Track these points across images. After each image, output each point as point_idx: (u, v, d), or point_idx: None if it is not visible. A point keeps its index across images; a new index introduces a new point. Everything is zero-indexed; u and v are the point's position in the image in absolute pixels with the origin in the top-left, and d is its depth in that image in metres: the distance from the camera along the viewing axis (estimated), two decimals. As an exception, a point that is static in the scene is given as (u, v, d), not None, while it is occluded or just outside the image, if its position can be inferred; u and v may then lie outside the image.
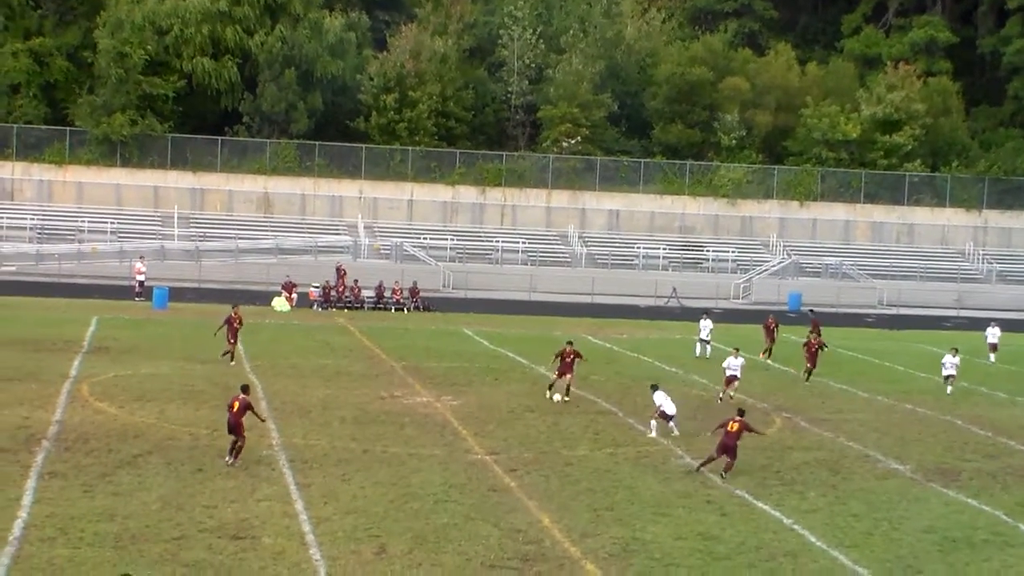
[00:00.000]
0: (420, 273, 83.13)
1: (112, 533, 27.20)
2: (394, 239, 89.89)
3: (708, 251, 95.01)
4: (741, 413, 35.03)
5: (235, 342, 50.12)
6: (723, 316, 76.52)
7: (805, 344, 53.87)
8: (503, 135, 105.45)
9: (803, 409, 46.84)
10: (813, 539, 29.53)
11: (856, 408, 47.08)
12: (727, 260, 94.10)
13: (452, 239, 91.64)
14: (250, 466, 33.61)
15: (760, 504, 32.46)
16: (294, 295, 74.49)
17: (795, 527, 30.45)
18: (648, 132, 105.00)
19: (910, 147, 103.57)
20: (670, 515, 30.91)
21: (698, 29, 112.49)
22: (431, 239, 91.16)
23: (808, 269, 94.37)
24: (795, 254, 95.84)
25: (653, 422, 39.76)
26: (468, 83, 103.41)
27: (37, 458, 33.08)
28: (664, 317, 78.02)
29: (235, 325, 50.37)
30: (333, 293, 76.98)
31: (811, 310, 73.29)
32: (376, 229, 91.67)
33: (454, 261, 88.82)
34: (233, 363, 49.04)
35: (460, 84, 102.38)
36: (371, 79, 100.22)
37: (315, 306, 74.85)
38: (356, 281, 78.36)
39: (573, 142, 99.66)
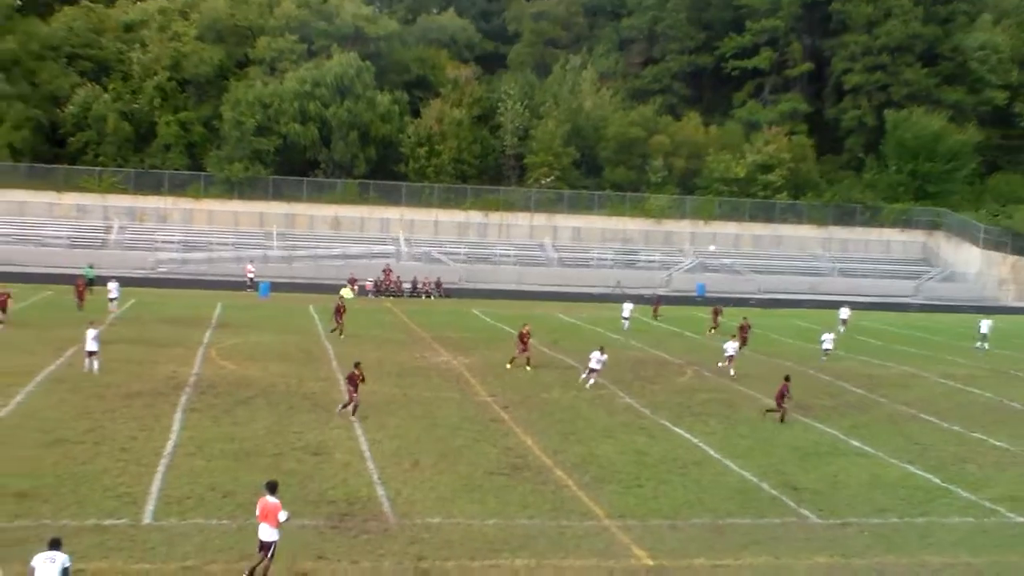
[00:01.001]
0: (443, 271, 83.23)
1: (232, 450, 27.45)
2: (424, 248, 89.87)
3: (642, 255, 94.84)
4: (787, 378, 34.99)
5: (342, 321, 51.04)
6: (652, 301, 76.55)
7: (740, 327, 52.11)
8: (500, 175, 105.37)
9: (707, 364, 47.01)
10: (713, 452, 29.73)
11: (744, 363, 47.25)
12: (655, 261, 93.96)
13: (464, 248, 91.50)
14: (326, 405, 33.72)
15: (677, 429, 32.64)
16: (356, 287, 74.53)
17: (701, 445, 30.64)
18: (600, 173, 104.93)
19: (779, 183, 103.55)
20: (615, 437, 31.08)
21: (635, 102, 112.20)
22: (450, 247, 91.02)
23: (710, 267, 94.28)
24: (701, 257, 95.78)
25: (584, 375, 39.82)
26: (476, 139, 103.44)
27: (181, 399, 33.33)
28: (612, 301, 78.06)
29: (341, 311, 51.09)
30: (382, 285, 77.12)
31: (745, 308, 71.14)
32: (412, 241, 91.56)
33: (466, 263, 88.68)
34: (343, 336, 49.85)
35: (471, 140, 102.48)
36: (409, 137, 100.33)
37: (370, 294, 74.92)
38: (399, 277, 78.44)
39: (549, 180, 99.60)
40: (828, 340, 50.77)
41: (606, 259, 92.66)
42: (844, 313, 65.91)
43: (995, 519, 24.76)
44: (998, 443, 32.82)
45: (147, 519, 21.71)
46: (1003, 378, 47.14)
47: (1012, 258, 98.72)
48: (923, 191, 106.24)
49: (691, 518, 23.48)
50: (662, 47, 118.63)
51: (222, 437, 28.43)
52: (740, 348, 47.95)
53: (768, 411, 34.64)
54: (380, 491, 24.26)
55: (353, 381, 31.55)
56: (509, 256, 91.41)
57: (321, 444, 28.29)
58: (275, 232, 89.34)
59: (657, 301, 65.87)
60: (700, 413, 35.24)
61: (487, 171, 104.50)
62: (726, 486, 26.23)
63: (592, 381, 39.25)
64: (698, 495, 25.30)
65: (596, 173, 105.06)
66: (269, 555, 18.82)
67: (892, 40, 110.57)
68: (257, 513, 19.25)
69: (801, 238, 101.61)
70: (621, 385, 40.12)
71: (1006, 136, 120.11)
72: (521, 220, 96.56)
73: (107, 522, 21.33)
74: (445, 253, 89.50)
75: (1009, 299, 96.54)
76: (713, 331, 59.30)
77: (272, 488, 19.34)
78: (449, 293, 77.64)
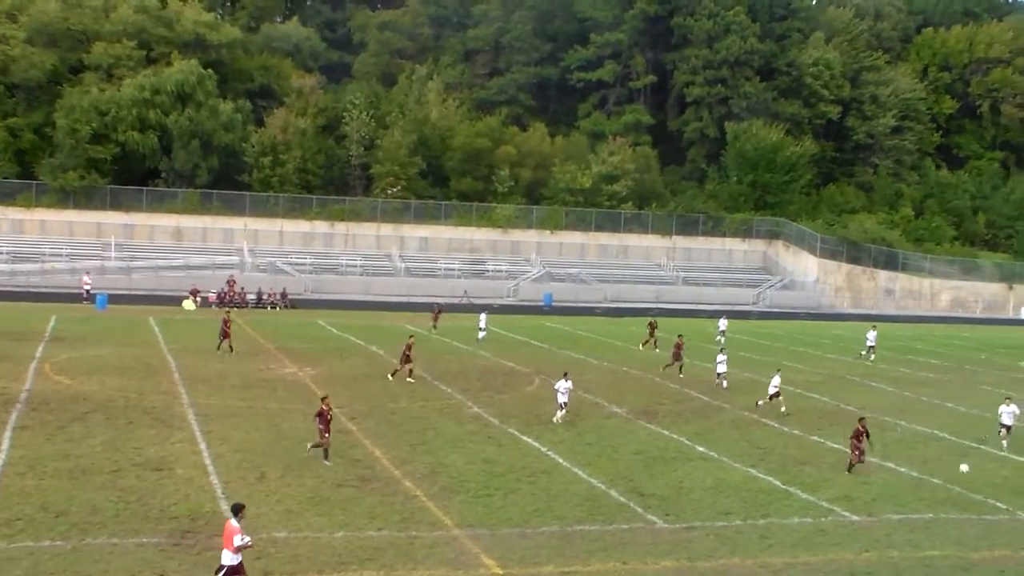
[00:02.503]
0: (288, 282, 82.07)
1: (66, 468, 26.56)
2: (269, 258, 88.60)
3: (489, 265, 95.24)
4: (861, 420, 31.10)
5: (227, 338, 48.82)
6: (499, 310, 77.03)
7: (676, 345, 49.31)
8: (346, 185, 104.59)
9: (555, 373, 47.22)
10: (561, 460, 29.93)
11: (590, 371, 47.83)
12: (502, 271, 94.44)
13: (310, 258, 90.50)
14: (168, 419, 32.93)
15: (525, 438, 32.78)
16: (198, 298, 73.04)
17: (549, 453, 30.81)
18: (447, 183, 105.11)
19: (624, 193, 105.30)
20: (463, 447, 31.06)
21: (481, 112, 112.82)
22: (296, 258, 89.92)
23: (557, 276, 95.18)
24: (548, 266, 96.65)
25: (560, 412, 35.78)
26: (321, 149, 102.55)
27: (11, 416, 32.09)
28: (459, 311, 78.20)
29: (228, 326, 49.24)
30: (226, 296, 75.72)
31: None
32: (257, 251, 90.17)
33: (312, 273, 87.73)
34: (232, 353, 48.12)
35: (316, 150, 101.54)
36: (253, 146, 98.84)
37: (213, 306, 73.41)
38: (243, 288, 77.13)
39: (395, 190, 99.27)
40: (722, 363, 46.55)
41: (453, 269, 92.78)
42: (723, 324, 66.51)
43: (832, 518, 25.52)
44: (835, 445, 33.86)
45: (-26, 542, 20.79)
46: (839, 383, 48.76)
47: (847, 267, 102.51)
48: (763, 201, 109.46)
49: (540, 526, 23.59)
50: (508, 58, 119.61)
51: (56, 455, 27.45)
52: (676, 363, 47.99)
53: (853, 466, 30.42)
54: (224, 506, 23.70)
55: (324, 418, 28.43)
56: (356, 266, 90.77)
57: (162, 459, 27.58)
58: (113, 242, 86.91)
59: (437, 311, 64.31)
60: (548, 422, 35.45)
61: (333, 181, 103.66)
62: (574, 493, 26.43)
63: (561, 414, 35.50)
64: (547, 503, 25.43)
65: (443, 183, 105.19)
66: None
67: (731, 55, 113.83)
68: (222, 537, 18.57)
69: (646, 247, 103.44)
70: (469, 395, 40.14)
71: (840, 149, 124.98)
72: (368, 230, 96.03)
73: (-69, 546, 20.36)
74: (290, 263, 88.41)
75: (844, 306, 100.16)
76: (645, 345, 58.79)
77: (235, 511, 18.57)
78: (295, 304, 76.64)
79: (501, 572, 20.64)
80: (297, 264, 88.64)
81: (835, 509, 26.27)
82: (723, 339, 63.33)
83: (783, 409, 39.04)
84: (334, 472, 27.19)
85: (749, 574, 21.31)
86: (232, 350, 48.39)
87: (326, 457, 28.12)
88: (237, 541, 18.07)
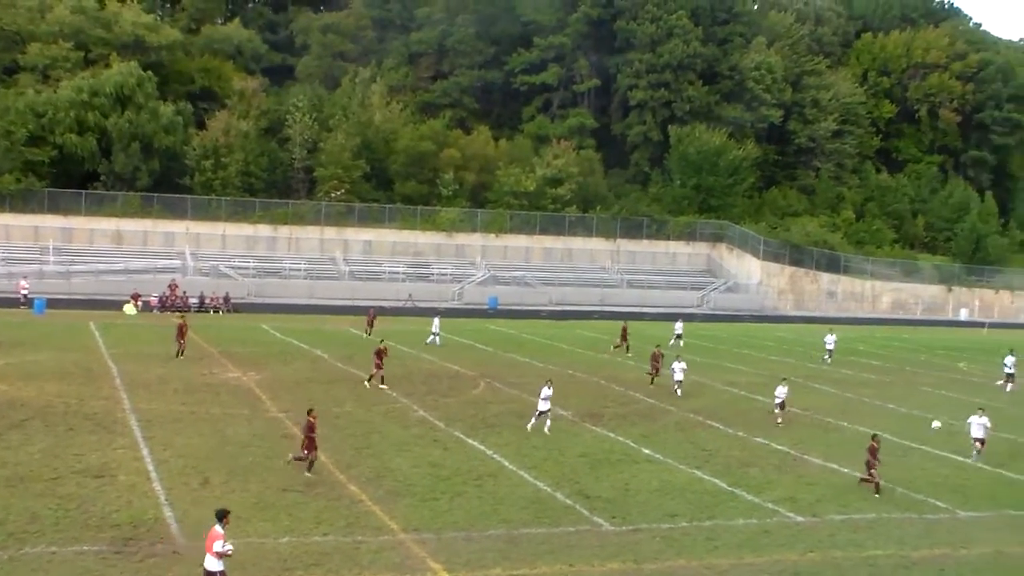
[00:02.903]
0: (231, 286, 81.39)
1: (3, 476, 26.17)
2: (211, 262, 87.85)
3: (433, 268, 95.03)
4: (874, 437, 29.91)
5: (184, 341, 48.55)
6: (444, 313, 76.93)
7: (652, 356, 48.04)
8: (290, 188, 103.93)
9: (500, 376, 47.42)
10: (507, 464, 29.96)
11: (535, 374, 47.87)
12: (447, 274, 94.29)
13: (253, 261, 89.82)
14: (109, 425, 32.56)
15: (471, 441, 32.78)
16: (139, 303, 72.25)
17: (495, 456, 30.84)
18: (391, 186, 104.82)
19: (569, 197, 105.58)
20: (409, 451, 31.01)
21: (425, 116, 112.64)
22: (239, 262, 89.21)
23: (502, 280, 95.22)
24: (493, 270, 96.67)
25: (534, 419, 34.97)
26: (264, 152, 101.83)
27: (-53, 424, 31.48)
28: (404, 315, 78.06)
29: (184, 330, 48.77)
30: (168, 301, 74.96)
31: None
32: (199, 255, 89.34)
33: (255, 277, 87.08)
34: (180, 356, 47.83)
35: (258, 152, 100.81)
36: (194, 149, 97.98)
37: (154, 310, 72.71)
38: (185, 292, 76.42)
39: (339, 193, 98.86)
40: (679, 370, 44.85)
41: (398, 273, 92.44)
42: (679, 328, 66.57)
43: (776, 519, 25.74)
44: (779, 447, 34.18)
45: (-91, 552, 20.41)
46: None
47: (790, 269, 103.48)
48: (706, 204, 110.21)
49: (486, 529, 23.57)
50: (452, 61, 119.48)
51: (-6, 463, 27.05)
52: (654, 374, 46.34)
53: (863, 480, 29.60)
54: (167, 512, 23.51)
55: (312, 432, 27.59)
56: (299, 270, 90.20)
57: (103, 466, 27.24)
58: (51, 246, 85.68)
59: (373, 315, 63.32)
60: (494, 425, 35.49)
61: (276, 184, 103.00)
62: (520, 496, 26.44)
63: (539, 422, 34.60)
64: (493, 506, 25.42)
65: (387, 186, 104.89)
66: None
67: (674, 58, 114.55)
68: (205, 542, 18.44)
69: (590, 251, 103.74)
70: (415, 398, 40.08)
71: (782, 152, 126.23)
72: (311, 233, 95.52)
73: None
74: (233, 267, 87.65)
75: (787, 309, 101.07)
76: (616, 349, 58.73)
77: (220, 517, 18.41)
78: (238, 308, 76.05)
79: (447, 576, 20.62)
80: (240, 268, 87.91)
81: (780, 510, 26.50)
82: (680, 343, 63.62)
83: (779, 421, 38.34)
84: (279, 477, 27.00)
85: None
86: (181, 355, 48.00)
87: (309, 469, 27.47)
88: (218, 547, 17.92)
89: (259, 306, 78.26)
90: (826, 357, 60.73)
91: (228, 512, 18.75)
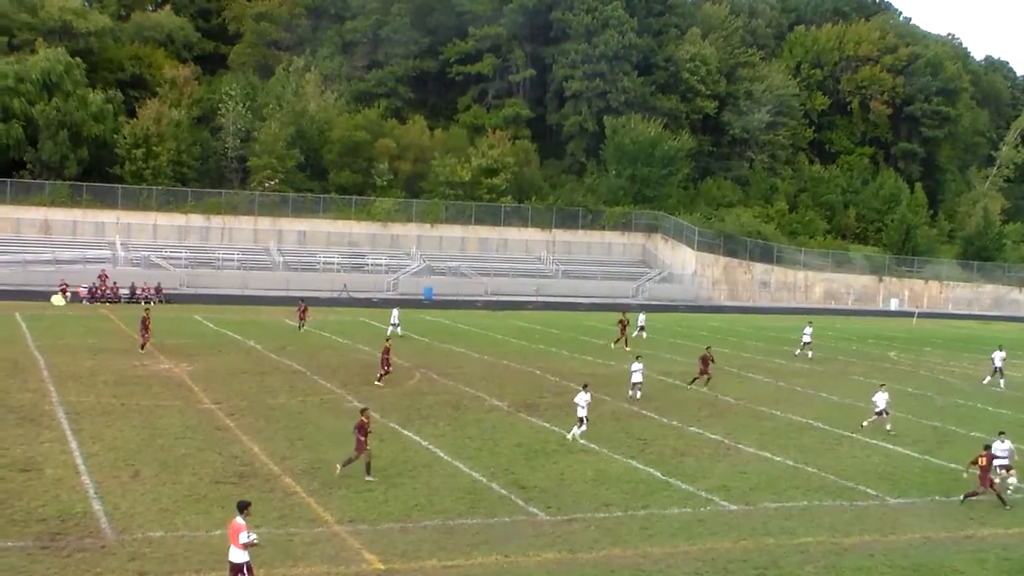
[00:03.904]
0: (163, 276, 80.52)
1: (-72, 471, 25.56)
2: (143, 252, 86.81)
3: (368, 259, 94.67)
4: (987, 447, 27.95)
5: (148, 335, 47.68)
6: (379, 304, 76.83)
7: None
8: (223, 178, 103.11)
9: (435, 366, 47.35)
10: (442, 454, 29.91)
11: (471, 364, 47.86)
12: (381, 265, 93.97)
13: (186, 252, 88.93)
14: (36, 418, 32.06)
15: (406, 432, 32.69)
16: (68, 293, 71.21)
17: (430, 447, 30.78)
18: (326, 176, 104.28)
19: (504, 187, 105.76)
20: (345, 442, 30.79)
21: (360, 105, 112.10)
22: (171, 252, 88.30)
23: (437, 270, 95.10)
24: (428, 260, 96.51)
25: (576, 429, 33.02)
26: (196, 141, 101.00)
27: None
28: (339, 305, 77.69)
29: (147, 323, 47.89)
30: (97, 291, 73.94)
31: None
32: (130, 245, 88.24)
33: (188, 267, 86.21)
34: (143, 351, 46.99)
35: (190, 142, 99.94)
36: (125, 138, 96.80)
37: (83, 301, 71.69)
38: (115, 282, 75.42)
39: (273, 183, 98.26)
40: (638, 373, 41.40)
41: (333, 263, 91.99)
42: (641, 319, 66.42)
43: (710, 508, 25.94)
44: (713, 436, 34.45)
45: None
46: (716, 374, 49.49)
47: (724, 259, 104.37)
48: (641, 195, 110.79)
49: (422, 520, 23.51)
50: (386, 51, 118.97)
51: (-85, 457, 26.51)
52: (704, 379, 43.94)
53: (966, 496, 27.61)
54: (97, 506, 23.17)
55: (363, 431, 26.73)
56: (233, 260, 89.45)
57: (30, 460, 26.78)
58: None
59: (303, 307, 60.79)
60: (429, 416, 35.41)
61: (208, 174, 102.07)
62: (456, 487, 26.41)
63: (582, 430, 32.72)
64: (428, 497, 25.36)
65: (321, 176, 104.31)
66: None
67: (609, 49, 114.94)
68: (228, 535, 18.26)
69: (526, 241, 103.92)
70: (349, 389, 39.88)
71: (716, 144, 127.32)
72: (245, 224, 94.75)
73: None
74: (165, 257, 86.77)
75: (722, 299, 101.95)
76: (616, 344, 58.10)
77: (241, 508, 18.20)
78: (170, 299, 75.19)
79: (382, 567, 20.52)
80: (172, 258, 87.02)
81: (714, 499, 26.71)
82: (643, 335, 63.24)
83: (888, 427, 36.49)
84: (212, 468, 26.73)
85: (630, 564, 21.53)
86: (144, 345, 47.43)
87: (368, 472, 26.54)
88: (243, 538, 17.81)
89: (192, 297, 77.51)
90: (798, 351, 59.67)
91: (249, 503, 18.61)
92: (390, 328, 58.52)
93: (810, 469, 30.40)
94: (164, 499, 23.98)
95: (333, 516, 23.44)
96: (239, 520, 18.04)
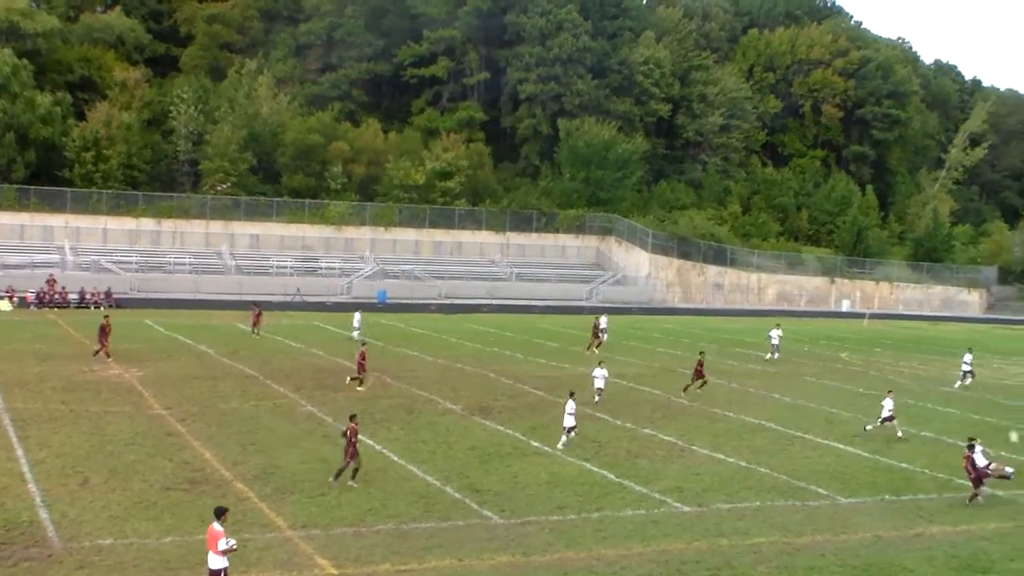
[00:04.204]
0: (113, 280, 79.69)
1: None
2: (92, 256, 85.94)
3: (322, 262, 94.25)
4: (970, 445, 28.46)
5: (107, 342, 46.62)
6: (333, 308, 76.60)
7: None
8: (174, 181, 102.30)
9: (389, 370, 47.27)
10: (396, 458, 29.87)
11: (424, 368, 47.83)
12: (335, 268, 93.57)
13: (136, 256, 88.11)
14: (-18, 424, 31.59)
15: (360, 436, 32.46)
16: (15, 299, 70.37)
17: (384, 451, 30.73)
18: (279, 179, 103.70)
19: (458, 190, 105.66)
20: (298, 447, 30.75)
21: (314, 108, 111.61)
22: (121, 256, 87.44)
23: (391, 273, 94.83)
24: (382, 263, 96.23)
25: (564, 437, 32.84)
26: (147, 144, 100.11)
27: None
28: (292, 309, 77.31)
29: (106, 330, 46.95)
30: (46, 296, 73.14)
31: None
32: (79, 249, 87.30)
33: (138, 272, 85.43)
34: (106, 359, 45.98)
35: (141, 145, 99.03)
36: (74, 141, 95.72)
37: (31, 306, 70.88)
38: (64, 287, 74.63)
39: (225, 186, 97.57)
40: (600, 377, 41.02)
41: (286, 267, 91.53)
42: (603, 322, 66.25)
43: (664, 510, 26.06)
44: (666, 437, 34.62)
45: None
46: (670, 376, 49.80)
47: (678, 262, 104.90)
48: (596, 198, 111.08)
49: (375, 524, 23.45)
50: (340, 53, 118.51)
51: None
52: (697, 380, 43.80)
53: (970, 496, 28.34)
54: (44, 514, 22.91)
55: (351, 437, 26.47)
56: (184, 264, 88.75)
57: (-25, 468, 26.46)
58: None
59: (257, 312, 60.17)
60: (382, 420, 35.33)
61: (160, 177, 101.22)
62: (410, 491, 26.36)
63: (569, 438, 32.73)
64: (382, 501, 25.30)
65: (274, 180, 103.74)
66: None
67: (564, 52, 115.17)
68: (206, 541, 18.24)
69: (480, 244, 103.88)
70: (303, 393, 39.71)
71: (670, 146, 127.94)
72: (197, 227, 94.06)
73: None
74: (115, 262, 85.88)
75: (675, 301, 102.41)
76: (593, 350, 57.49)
77: (218, 514, 18.22)
78: (120, 303, 74.47)
79: (336, 572, 20.45)
80: (122, 262, 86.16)
81: (667, 500, 26.83)
82: (605, 336, 63.10)
83: (899, 434, 36.65)
84: (162, 475, 26.51)
85: (583, 567, 21.58)
86: (99, 353, 46.50)
87: (353, 478, 26.40)
88: (222, 545, 17.83)
89: (143, 301, 76.83)
90: (771, 355, 59.85)
91: (227, 509, 18.64)
92: (355, 332, 58.27)
93: (763, 470, 30.62)
94: (113, 506, 23.75)
95: (286, 521, 23.32)
96: (216, 526, 18.05)
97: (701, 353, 46.58)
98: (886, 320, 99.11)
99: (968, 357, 51.83)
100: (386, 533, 22.92)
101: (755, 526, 24.95)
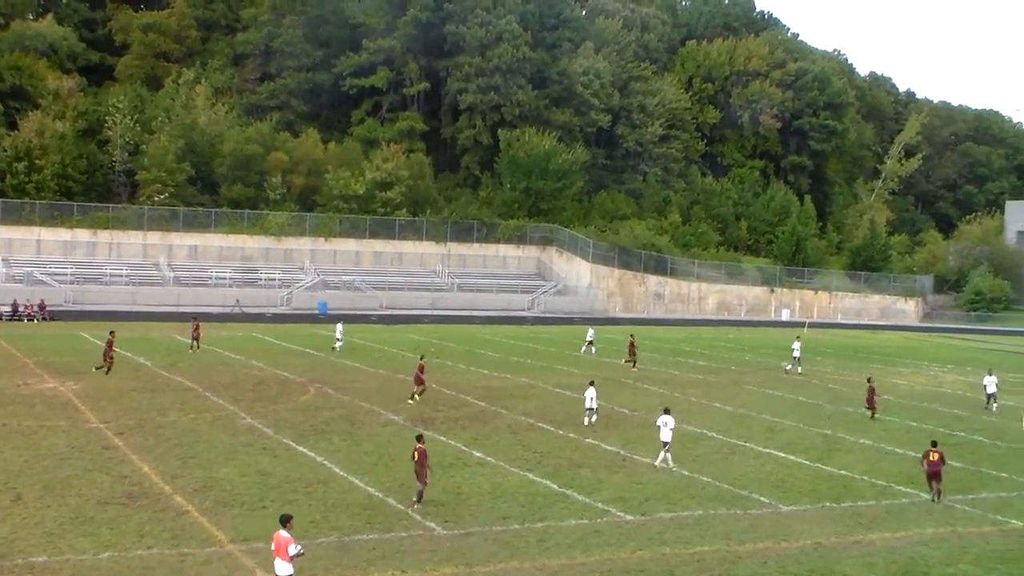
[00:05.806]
0: (47, 292, 78.67)
1: None
2: (26, 268, 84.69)
3: (261, 273, 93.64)
4: (934, 444, 29.58)
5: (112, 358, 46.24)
6: (272, 319, 76.05)
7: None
8: (110, 192, 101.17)
9: (330, 381, 46.99)
10: (338, 470, 29.72)
11: (366, 379, 47.63)
12: (275, 279, 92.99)
13: (71, 267, 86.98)
14: (-87, 440, 31.00)
15: (301, 448, 32.40)
16: (-53, 311, 69.25)
17: (325, 463, 30.56)
18: (217, 190, 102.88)
19: (399, 200, 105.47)
20: (237, 459, 30.48)
21: (252, 118, 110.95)
22: (55, 268, 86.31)
23: (332, 284, 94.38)
24: (322, 274, 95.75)
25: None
26: (82, 154, 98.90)
27: None
28: (231, 321, 76.62)
29: (112, 345, 46.49)
30: (-21, 309, 72.06)
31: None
32: (12, 261, 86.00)
33: (73, 283, 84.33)
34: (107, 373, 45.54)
35: (76, 155, 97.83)
36: (6, 151, 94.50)
37: (-35, 319, 69.76)
38: (-3, 300, 73.57)
39: (162, 197, 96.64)
40: (590, 399, 39.27)
41: (225, 278, 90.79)
42: (590, 335, 65.81)
43: (607, 519, 26.12)
44: (609, 447, 34.72)
45: None
46: (612, 385, 49.92)
47: (619, 272, 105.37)
48: (536, 208, 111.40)
49: (318, 537, 23.28)
50: (279, 63, 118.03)
51: None
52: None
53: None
54: (-25, 532, 22.51)
55: (421, 461, 26.16)
56: (121, 276, 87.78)
57: (-95, 485, 25.94)
58: None
59: (196, 325, 58.10)
60: (324, 431, 35.12)
61: (95, 188, 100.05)
62: (352, 503, 26.22)
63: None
64: (324, 514, 25.14)
65: (212, 190, 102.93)
66: None
67: (504, 62, 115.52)
68: (272, 548, 18.75)
69: (421, 254, 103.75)
70: (242, 405, 39.37)
71: (610, 156, 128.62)
72: (134, 238, 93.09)
73: None
74: (49, 273, 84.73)
75: (617, 310, 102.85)
76: (626, 363, 56.88)
77: (284, 521, 18.87)
78: (55, 316, 73.44)
79: (277, 587, 20.28)
80: (57, 274, 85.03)
81: (610, 510, 26.90)
82: (593, 349, 63.10)
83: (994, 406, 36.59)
84: (99, 489, 26.14)
85: (527, 577, 21.60)
86: (109, 371, 45.90)
87: (419, 500, 26.13)
88: (292, 550, 18.37)
89: (78, 313, 75.82)
90: (789, 366, 60.12)
91: (291, 516, 19.41)
92: (337, 343, 58.79)
93: (705, 478, 30.81)
94: (48, 522, 23.38)
95: (226, 535, 23.09)
96: (283, 533, 18.60)
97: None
98: (825, 329, 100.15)
99: (990, 379, 48.50)
100: (328, 545, 22.77)
101: (698, 535, 25.09)
